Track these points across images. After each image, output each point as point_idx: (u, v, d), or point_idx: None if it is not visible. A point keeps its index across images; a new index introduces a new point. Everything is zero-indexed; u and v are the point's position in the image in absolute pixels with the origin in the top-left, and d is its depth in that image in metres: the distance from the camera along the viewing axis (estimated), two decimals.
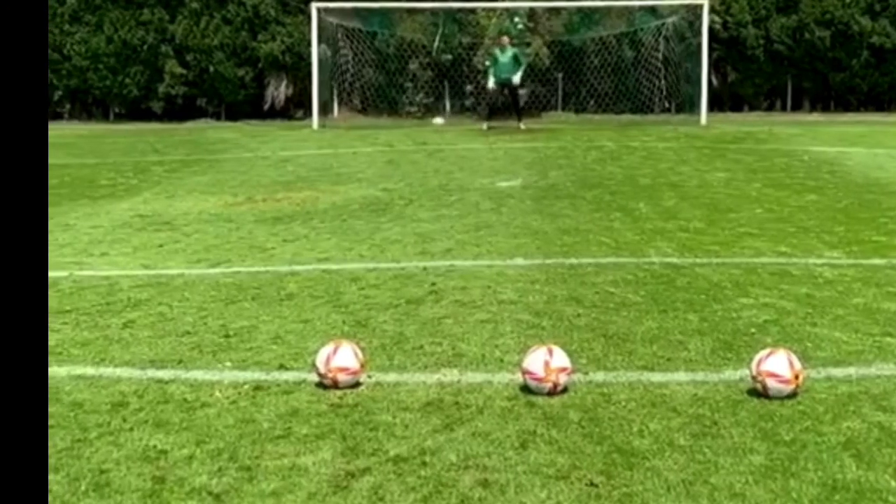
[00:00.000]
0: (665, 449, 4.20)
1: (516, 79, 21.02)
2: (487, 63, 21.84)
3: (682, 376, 5.15)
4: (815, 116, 24.66)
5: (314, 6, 23.03)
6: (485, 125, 21.17)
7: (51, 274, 7.67)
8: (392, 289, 7.16)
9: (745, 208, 10.50)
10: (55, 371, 5.39)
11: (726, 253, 8.24)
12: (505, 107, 22.11)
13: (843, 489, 3.81)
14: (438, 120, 22.45)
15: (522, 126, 20.90)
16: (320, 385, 5.03)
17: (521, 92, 21.82)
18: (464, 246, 8.71)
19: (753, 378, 4.82)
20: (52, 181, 13.29)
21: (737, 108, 25.87)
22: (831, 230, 9.18)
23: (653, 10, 24.39)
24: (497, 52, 21.23)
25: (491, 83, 21.10)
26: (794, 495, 3.77)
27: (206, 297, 7.01)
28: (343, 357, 5.02)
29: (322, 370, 5.01)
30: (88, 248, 9.04)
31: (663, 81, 24.22)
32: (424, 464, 4.10)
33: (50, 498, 3.82)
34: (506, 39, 21.49)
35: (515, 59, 21.12)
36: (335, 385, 4.98)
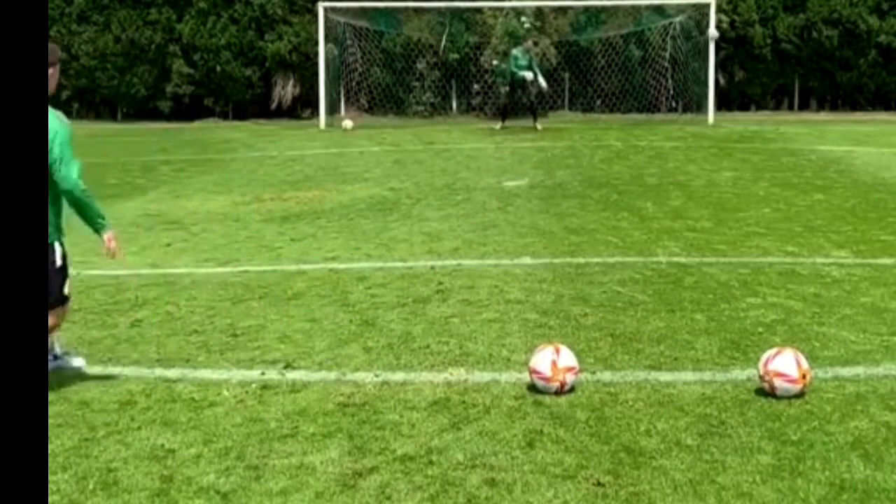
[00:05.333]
0: (672, 448, 4.20)
1: (529, 75, 20.90)
2: (504, 65, 21.71)
3: (689, 376, 5.15)
4: (823, 116, 24.61)
5: (321, 5, 23.03)
6: (499, 125, 21.09)
7: None
8: (399, 288, 7.17)
9: (752, 208, 10.48)
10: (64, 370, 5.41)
11: (734, 252, 8.23)
12: (520, 106, 21.99)
13: (851, 489, 3.81)
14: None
15: (539, 127, 20.87)
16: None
17: (532, 90, 21.69)
18: (471, 245, 8.71)
19: (761, 378, 4.82)
20: None
21: (744, 107, 25.83)
22: (839, 229, 9.16)
23: (660, 10, 24.33)
24: (518, 53, 21.08)
25: (528, 75, 20.81)
26: (802, 495, 3.77)
27: (214, 297, 7.02)
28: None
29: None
30: (96, 248, 9.04)
31: (670, 81, 24.18)
32: (431, 463, 4.10)
33: (58, 496, 3.84)
34: (529, 43, 21.57)
35: (531, 64, 21.10)
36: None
